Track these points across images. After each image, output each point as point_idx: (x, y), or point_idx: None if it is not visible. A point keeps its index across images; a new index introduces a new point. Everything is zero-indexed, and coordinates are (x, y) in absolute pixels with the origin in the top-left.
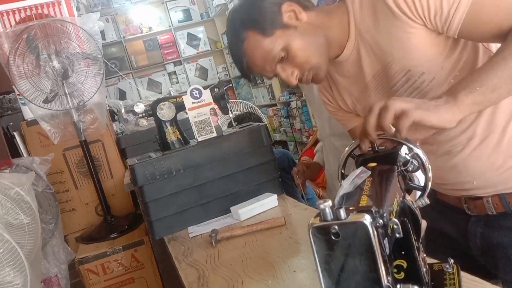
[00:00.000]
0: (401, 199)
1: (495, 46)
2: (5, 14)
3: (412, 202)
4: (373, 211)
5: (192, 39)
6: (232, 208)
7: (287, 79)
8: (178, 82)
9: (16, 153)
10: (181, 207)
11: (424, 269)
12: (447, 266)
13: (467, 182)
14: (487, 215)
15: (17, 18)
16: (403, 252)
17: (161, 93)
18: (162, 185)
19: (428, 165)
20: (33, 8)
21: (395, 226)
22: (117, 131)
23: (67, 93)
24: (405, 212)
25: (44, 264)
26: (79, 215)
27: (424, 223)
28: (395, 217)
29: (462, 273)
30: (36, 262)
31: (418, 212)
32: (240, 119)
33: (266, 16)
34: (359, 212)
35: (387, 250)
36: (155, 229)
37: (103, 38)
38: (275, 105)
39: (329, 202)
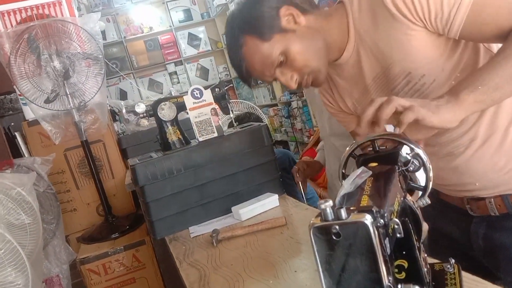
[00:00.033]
0: (402, 199)
1: (496, 47)
2: (6, 14)
3: (413, 202)
4: (374, 211)
5: (193, 39)
6: (233, 208)
7: (286, 83)
8: (179, 82)
9: (17, 154)
10: (182, 207)
11: (425, 269)
12: (448, 266)
13: (470, 183)
14: (490, 216)
15: (18, 18)
16: (404, 252)
17: (162, 93)
18: (163, 185)
19: (429, 165)
20: (34, 8)
21: (396, 226)
22: (118, 131)
23: (68, 93)
24: (406, 212)
25: (46, 264)
26: (80, 215)
27: (425, 226)
28: (396, 217)
29: (463, 273)
30: (37, 262)
31: (419, 212)
32: (240, 119)
33: (264, 20)
34: (360, 212)
35: (388, 250)
36: (156, 229)
37: (104, 38)
38: (276, 105)
39: (330, 202)
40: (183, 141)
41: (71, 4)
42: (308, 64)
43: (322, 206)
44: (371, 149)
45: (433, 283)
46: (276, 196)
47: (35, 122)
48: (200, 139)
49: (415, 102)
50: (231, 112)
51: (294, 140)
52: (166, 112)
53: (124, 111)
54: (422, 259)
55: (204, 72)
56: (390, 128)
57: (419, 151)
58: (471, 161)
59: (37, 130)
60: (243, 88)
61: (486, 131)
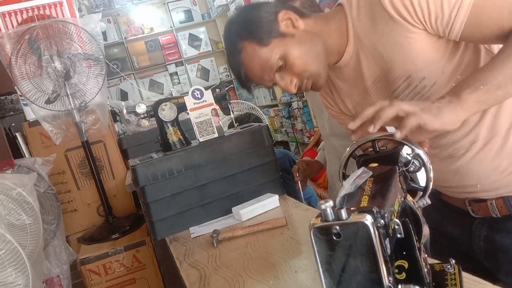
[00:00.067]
0: (402, 199)
1: (497, 48)
2: (7, 15)
3: (414, 202)
4: (374, 211)
5: (193, 40)
6: (233, 209)
7: (286, 88)
8: (179, 83)
9: (18, 154)
10: (183, 207)
11: (426, 270)
12: (449, 266)
13: (471, 185)
14: (491, 217)
15: (19, 19)
16: (404, 253)
17: (162, 93)
18: (164, 186)
19: (429, 165)
20: (35, 9)
21: (396, 227)
22: (118, 132)
23: (69, 94)
24: (407, 213)
25: (46, 264)
26: (81, 216)
27: (426, 230)
28: (396, 218)
29: (464, 274)
30: (38, 262)
31: (419, 212)
32: (239, 120)
33: (263, 25)
34: (360, 212)
35: (388, 251)
36: (156, 229)
37: (105, 39)
38: (276, 105)
39: (331, 203)
40: (184, 142)
41: (72, 5)
42: (307, 68)
43: (323, 207)
44: (372, 149)
45: (433, 284)
46: (276, 197)
47: (36, 123)
48: (201, 139)
49: (417, 106)
50: (231, 113)
51: (295, 140)
52: (167, 112)
53: (124, 111)
54: (422, 260)
55: (204, 73)
56: (391, 130)
57: (420, 152)
58: (472, 163)
59: (38, 131)
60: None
61: (487, 133)
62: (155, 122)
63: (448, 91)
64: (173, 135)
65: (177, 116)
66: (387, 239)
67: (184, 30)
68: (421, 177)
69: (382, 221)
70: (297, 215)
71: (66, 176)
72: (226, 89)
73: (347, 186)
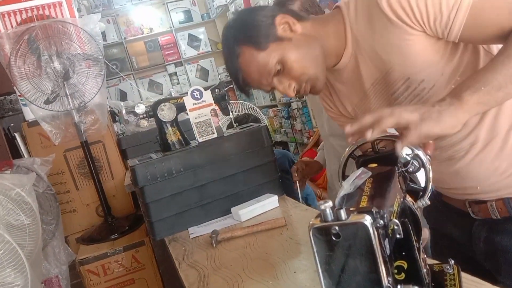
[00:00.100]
0: (401, 199)
1: (496, 48)
2: (6, 15)
3: (413, 203)
4: (374, 211)
5: (193, 40)
6: (232, 209)
7: (284, 92)
8: (179, 83)
9: (17, 154)
10: (182, 208)
11: (425, 270)
12: (448, 267)
13: (471, 187)
14: (492, 219)
15: (19, 19)
16: (403, 253)
17: (162, 94)
18: (163, 186)
19: (428, 166)
20: (34, 9)
21: (395, 227)
22: (118, 132)
23: (68, 94)
24: (406, 213)
25: (45, 265)
26: (80, 216)
27: (426, 233)
28: (395, 218)
29: (463, 274)
30: (36, 263)
31: (418, 213)
32: (238, 121)
33: (260, 29)
34: (359, 212)
35: (388, 251)
36: (155, 230)
37: (104, 39)
38: (275, 106)
39: (330, 203)
40: (183, 142)
41: (72, 5)
42: (305, 72)
43: (322, 207)
44: (371, 149)
45: (433, 284)
46: (275, 197)
47: (35, 123)
48: (200, 140)
49: (417, 112)
50: (231, 113)
51: (294, 141)
52: (166, 113)
53: (124, 112)
54: (421, 260)
55: (204, 73)
56: (391, 130)
57: (419, 152)
58: (472, 165)
59: (37, 131)
60: None
61: (486, 135)
62: (154, 123)
63: (448, 92)
64: (172, 136)
65: (176, 116)
66: (386, 239)
67: (184, 30)
68: (421, 178)
69: (382, 221)
70: (296, 215)
71: (65, 176)
72: (225, 89)
73: (347, 187)
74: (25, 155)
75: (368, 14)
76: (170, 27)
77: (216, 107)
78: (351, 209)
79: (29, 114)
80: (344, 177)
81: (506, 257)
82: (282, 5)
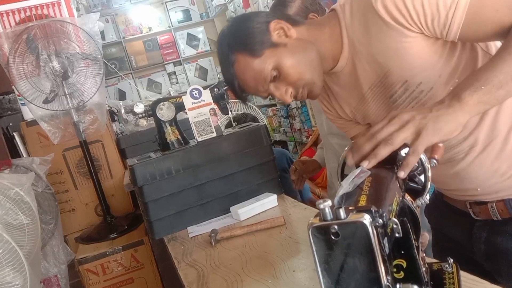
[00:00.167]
0: (400, 198)
1: (495, 48)
2: (5, 15)
3: (412, 202)
4: (373, 210)
5: (191, 40)
6: (231, 208)
7: (281, 98)
8: (177, 83)
9: (15, 154)
10: (181, 207)
11: (424, 269)
12: (447, 265)
13: (471, 188)
14: (492, 220)
15: (17, 18)
16: (402, 252)
17: (160, 93)
18: (162, 185)
19: (427, 165)
20: (33, 8)
21: (394, 226)
22: (117, 132)
23: (67, 93)
24: (405, 212)
25: (44, 264)
26: (79, 215)
27: (426, 237)
28: (394, 217)
29: (462, 273)
30: (35, 262)
31: (417, 212)
32: (237, 120)
33: (255, 36)
34: (358, 211)
35: (387, 250)
36: (154, 229)
37: (103, 38)
38: (274, 105)
39: (329, 202)
40: (182, 141)
41: (70, 4)
42: (302, 77)
43: (321, 206)
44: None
45: (432, 283)
46: (274, 196)
47: (34, 122)
48: (199, 139)
49: (413, 126)
50: (230, 112)
51: (293, 140)
52: (165, 112)
53: (123, 111)
54: (420, 259)
55: (203, 72)
56: None
57: None
58: (472, 167)
59: (35, 130)
60: None
61: (486, 137)
62: (153, 122)
63: (447, 93)
64: (171, 135)
65: (175, 115)
66: (385, 238)
67: (182, 29)
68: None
69: (381, 220)
70: (296, 214)
71: (64, 175)
72: (224, 88)
73: (345, 186)
74: (24, 154)
75: (363, 17)
76: (169, 26)
77: (215, 106)
78: (350, 208)
79: (28, 113)
80: (343, 176)
81: (507, 258)
82: (282, 5)
